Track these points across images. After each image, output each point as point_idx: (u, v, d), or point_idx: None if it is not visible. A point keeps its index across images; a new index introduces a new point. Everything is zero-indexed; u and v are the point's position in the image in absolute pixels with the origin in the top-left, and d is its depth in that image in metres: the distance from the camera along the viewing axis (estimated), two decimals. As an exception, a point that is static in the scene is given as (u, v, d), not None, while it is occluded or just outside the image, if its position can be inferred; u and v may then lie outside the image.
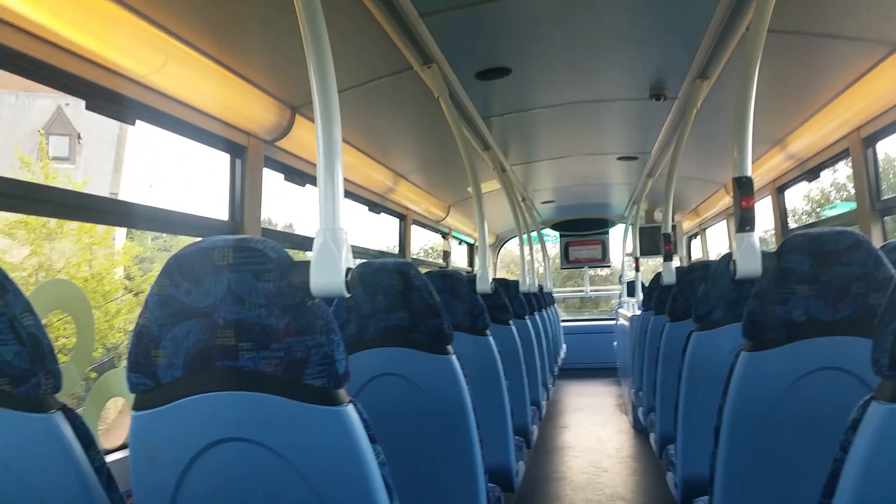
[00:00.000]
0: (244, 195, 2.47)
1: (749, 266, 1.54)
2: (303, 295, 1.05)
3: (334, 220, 1.09)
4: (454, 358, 1.83)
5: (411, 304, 1.79)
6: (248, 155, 2.50)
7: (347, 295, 1.07)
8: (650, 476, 3.77)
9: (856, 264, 1.43)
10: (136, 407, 1.10)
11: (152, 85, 1.91)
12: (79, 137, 12.61)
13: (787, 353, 1.50)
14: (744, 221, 1.64)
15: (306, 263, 1.06)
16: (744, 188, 1.69)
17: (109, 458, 1.33)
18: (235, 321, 1.05)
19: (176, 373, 1.08)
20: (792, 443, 1.54)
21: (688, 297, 2.80)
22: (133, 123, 1.93)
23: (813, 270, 1.46)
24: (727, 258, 2.18)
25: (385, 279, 1.77)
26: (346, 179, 3.47)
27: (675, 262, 3.48)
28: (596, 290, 10.16)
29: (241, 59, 2.18)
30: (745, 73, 1.76)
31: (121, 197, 6.50)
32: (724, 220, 6.17)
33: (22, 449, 1.10)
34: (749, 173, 1.74)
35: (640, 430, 4.70)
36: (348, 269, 1.07)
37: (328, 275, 1.05)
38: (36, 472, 1.10)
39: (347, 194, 3.65)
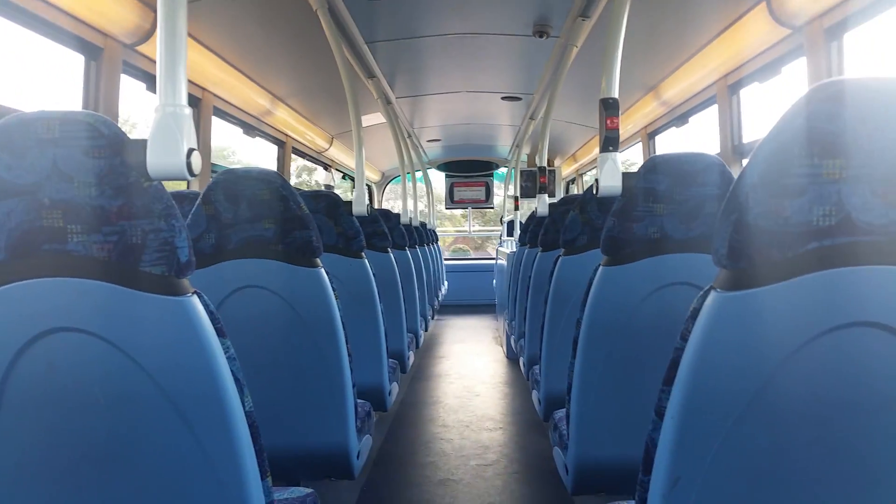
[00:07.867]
0: (98, 103, 2.26)
1: (611, 183, 1.60)
2: (138, 175, 0.96)
3: (174, 95, 1.00)
4: (322, 271, 1.78)
5: (278, 215, 1.70)
6: (104, 58, 2.28)
7: (189, 177, 0.98)
8: (519, 398, 4.01)
9: (710, 185, 1.51)
10: None
11: None
12: None
13: (641, 269, 1.59)
14: (608, 141, 1.70)
15: (143, 142, 0.97)
16: (609, 109, 1.75)
17: None
18: (63, 201, 0.95)
19: None
20: (642, 352, 1.62)
21: (559, 227, 2.87)
22: None
23: (670, 190, 1.52)
24: (593, 187, 2.27)
25: (249, 187, 1.67)
26: (216, 96, 3.29)
27: (552, 200, 3.61)
28: (479, 231, 10.45)
29: None
30: (618, 3, 1.82)
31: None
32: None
33: None
34: (616, 94, 1.80)
35: (513, 358, 4.95)
36: (190, 150, 0.98)
37: (167, 154, 0.96)
38: None
39: (218, 112, 3.42)
